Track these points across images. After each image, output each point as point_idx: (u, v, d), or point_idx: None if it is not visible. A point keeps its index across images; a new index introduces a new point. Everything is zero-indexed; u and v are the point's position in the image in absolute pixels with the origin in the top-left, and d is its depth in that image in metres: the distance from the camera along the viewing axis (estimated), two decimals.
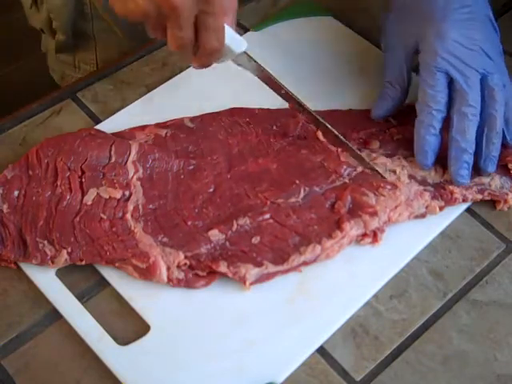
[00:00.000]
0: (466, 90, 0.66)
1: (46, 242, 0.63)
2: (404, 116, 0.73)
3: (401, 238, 0.66)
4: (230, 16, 0.60)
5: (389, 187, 0.67)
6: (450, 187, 0.67)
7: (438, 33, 0.67)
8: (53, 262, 0.63)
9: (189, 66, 0.79)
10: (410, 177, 0.68)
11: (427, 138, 0.67)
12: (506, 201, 0.68)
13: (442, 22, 0.67)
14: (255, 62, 0.68)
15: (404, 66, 0.71)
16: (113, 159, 0.68)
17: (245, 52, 0.65)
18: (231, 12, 0.60)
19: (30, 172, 0.67)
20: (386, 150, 0.70)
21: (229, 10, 0.59)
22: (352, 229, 0.64)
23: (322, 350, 0.61)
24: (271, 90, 0.75)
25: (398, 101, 0.72)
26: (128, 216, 0.65)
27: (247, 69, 0.68)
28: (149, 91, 0.77)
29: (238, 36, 0.64)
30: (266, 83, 0.69)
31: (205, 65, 0.64)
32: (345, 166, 0.69)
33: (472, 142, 0.66)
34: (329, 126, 0.69)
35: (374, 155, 0.70)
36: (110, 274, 0.64)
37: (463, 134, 0.66)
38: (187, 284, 0.62)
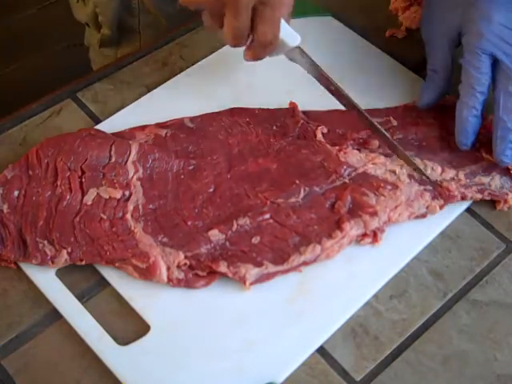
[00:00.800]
0: None
1: (45, 241, 0.63)
2: (404, 116, 0.73)
3: (401, 238, 0.66)
4: (285, 9, 0.60)
5: (389, 187, 0.67)
6: (446, 185, 0.67)
7: (482, 15, 0.67)
8: (53, 262, 0.63)
9: (189, 66, 0.79)
10: (410, 176, 0.68)
11: (470, 119, 0.67)
12: (505, 201, 0.68)
13: (487, 4, 0.67)
14: (308, 57, 0.67)
15: (448, 51, 0.71)
16: (113, 159, 0.68)
17: (298, 47, 0.65)
18: (287, 5, 0.61)
19: (30, 172, 0.67)
20: (386, 150, 0.70)
21: (285, 3, 0.60)
22: (352, 229, 0.64)
23: (322, 350, 0.61)
24: (271, 90, 0.75)
25: (444, 88, 0.72)
26: (128, 216, 0.65)
27: (299, 64, 0.68)
28: (149, 91, 0.77)
29: (292, 30, 0.64)
30: (318, 80, 0.70)
31: (258, 57, 0.65)
32: (345, 166, 0.69)
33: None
34: (379, 128, 0.69)
35: (373, 155, 0.70)
36: (110, 274, 0.64)
37: (510, 113, 0.66)
38: (187, 284, 0.62)
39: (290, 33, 0.64)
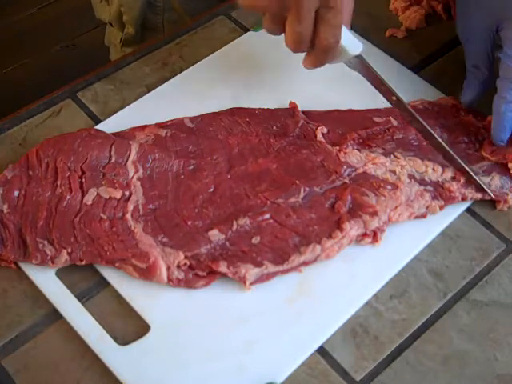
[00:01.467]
0: None
1: (45, 241, 0.63)
2: (404, 115, 0.73)
3: (401, 238, 0.66)
4: (347, 15, 0.60)
5: (389, 187, 0.67)
6: (448, 185, 0.67)
7: None
8: (53, 262, 0.63)
9: (189, 66, 0.79)
10: (410, 176, 0.68)
11: (508, 114, 0.67)
12: (505, 201, 0.68)
13: None
14: (370, 67, 0.67)
15: (489, 47, 0.70)
16: (113, 159, 0.68)
17: (360, 55, 0.65)
18: (349, 11, 0.60)
19: (30, 172, 0.67)
20: (386, 150, 0.70)
21: (347, 9, 0.59)
22: (352, 229, 0.64)
23: (322, 350, 0.61)
24: (271, 90, 0.75)
25: (488, 83, 0.72)
26: (128, 216, 0.65)
27: (360, 72, 0.68)
28: (149, 91, 0.77)
29: (354, 38, 0.63)
30: (379, 90, 0.69)
31: (318, 64, 0.64)
32: (345, 166, 0.69)
33: None
34: (436, 137, 0.69)
35: (373, 155, 0.70)
36: (110, 274, 0.64)
37: None
38: (187, 284, 0.62)
39: (351, 40, 0.63)
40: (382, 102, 0.75)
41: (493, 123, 0.69)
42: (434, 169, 0.69)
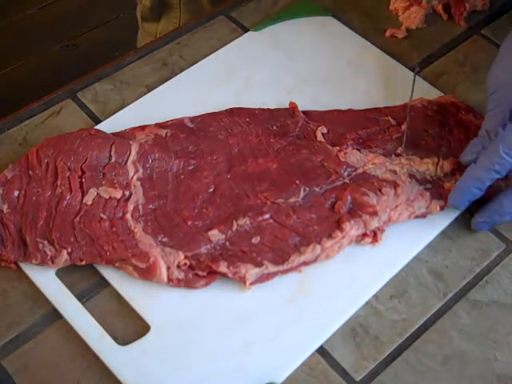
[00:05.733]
0: None
1: (46, 242, 0.63)
2: (404, 115, 0.73)
3: (401, 238, 0.66)
4: None
5: (389, 187, 0.67)
6: (448, 185, 0.67)
7: None
8: (53, 262, 0.63)
9: (189, 66, 0.79)
10: (410, 176, 0.68)
11: (473, 189, 0.63)
12: None
13: None
14: None
15: (507, 121, 0.63)
16: (113, 159, 0.68)
17: None
18: None
19: (30, 172, 0.67)
20: (386, 150, 0.70)
21: None
22: (352, 229, 0.64)
23: (322, 350, 0.61)
24: (271, 90, 0.75)
25: None
26: (128, 216, 0.65)
27: None
28: (149, 91, 0.77)
29: None
30: None
31: None
32: (345, 166, 0.69)
33: None
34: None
35: (373, 155, 0.70)
36: (110, 274, 0.64)
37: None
38: (187, 284, 0.62)
39: None
40: (382, 102, 0.75)
41: (455, 187, 0.65)
42: (433, 163, 0.68)
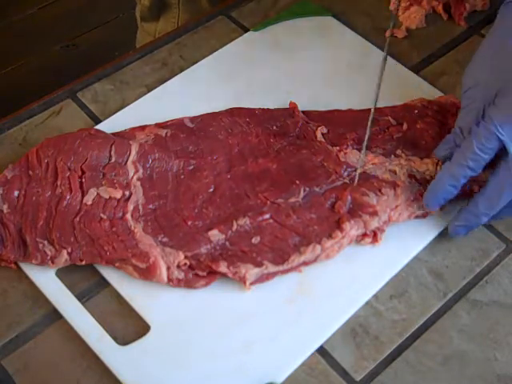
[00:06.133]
0: None
1: (46, 242, 0.63)
2: (404, 115, 0.73)
3: (401, 238, 0.66)
4: None
5: (389, 187, 0.67)
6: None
7: None
8: (53, 262, 0.63)
9: (189, 66, 0.79)
10: (410, 176, 0.68)
11: (447, 187, 0.63)
12: None
13: None
14: None
15: (480, 118, 0.63)
16: (113, 159, 0.68)
17: None
18: None
19: (30, 172, 0.67)
20: (386, 150, 0.70)
21: None
22: (352, 229, 0.64)
23: (322, 350, 0.61)
24: (271, 90, 0.75)
25: None
26: (128, 216, 0.65)
27: None
28: (149, 91, 0.77)
29: None
30: None
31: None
32: (345, 166, 0.69)
33: (492, 214, 0.64)
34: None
35: (372, 155, 0.70)
36: (110, 274, 0.64)
37: (489, 208, 0.63)
38: (187, 284, 0.62)
39: None
40: (382, 102, 0.75)
41: (429, 187, 0.64)
42: (433, 163, 0.68)
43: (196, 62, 0.80)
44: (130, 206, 0.66)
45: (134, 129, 0.72)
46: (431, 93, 0.76)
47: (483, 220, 0.64)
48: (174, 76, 0.79)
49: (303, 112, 0.74)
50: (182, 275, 0.62)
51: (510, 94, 0.60)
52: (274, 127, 0.73)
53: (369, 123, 0.67)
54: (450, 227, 0.66)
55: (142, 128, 0.72)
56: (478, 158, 0.62)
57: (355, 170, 0.68)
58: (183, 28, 0.85)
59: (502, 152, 0.62)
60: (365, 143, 0.67)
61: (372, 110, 0.66)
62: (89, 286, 0.64)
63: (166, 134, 0.71)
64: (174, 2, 1.02)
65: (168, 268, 0.62)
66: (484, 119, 0.62)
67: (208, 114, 0.74)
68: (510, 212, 0.65)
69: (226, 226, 0.64)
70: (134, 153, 0.69)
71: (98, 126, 0.73)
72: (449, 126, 0.72)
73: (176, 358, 0.59)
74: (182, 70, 0.79)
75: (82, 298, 0.63)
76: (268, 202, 0.66)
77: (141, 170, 0.68)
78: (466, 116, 0.64)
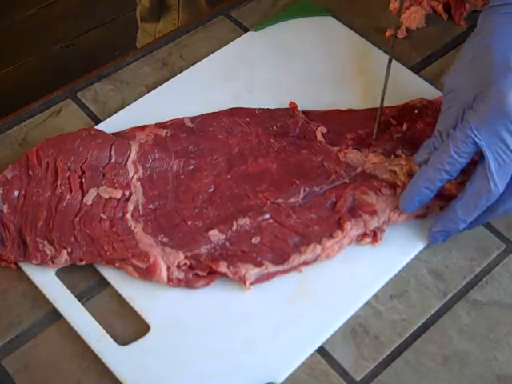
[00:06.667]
0: (494, 176, 0.60)
1: (46, 242, 0.63)
2: (404, 115, 0.73)
3: (401, 238, 0.66)
4: None
5: (389, 187, 0.67)
6: (448, 185, 0.67)
7: (497, 105, 0.59)
8: (53, 262, 0.63)
9: (189, 66, 0.79)
10: (410, 176, 0.68)
11: (423, 190, 0.63)
12: None
13: (505, 90, 0.59)
14: None
15: (459, 122, 0.62)
16: (113, 159, 0.68)
17: None
18: None
19: (30, 172, 0.67)
20: (386, 150, 0.70)
21: None
22: (352, 228, 0.64)
23: (322, 350, 0.61)
24: (271, 90, 0.75)
25: None
26: (128, 216, 0.65)
27: None
28: (149, 91, 0.77)
29: None
30: None
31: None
32: (344, 166, 0.69)
33: (469, 221, 0.63)
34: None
35: (372, 155, 0.70)
36: (110, 274, 0.64)
37: (467, 214, 0.62)
38: (187, 284, 0.62)
39: None
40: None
41: (405, 190, 0.64)
42: None
43: (196, 62, 0.80)
44: (130, 206, 0.66)
45: (133, 129, 0.72)
46: (431, 93, 0.77)
47: (461, 226, 0.63)
48: (174, 76, 0.79)
49: (303, 112, 0.74)
50: (181, 275, 0.62)
51: (487, 98, 0.60)
52: (274, 127, 0.73)
53: (376, 126, 0.66)
54: (428, 234, 0.65)
55: (142, 128, 0.72)
56: (454, 162, 0.61)
57: (355, 170, 0.68)
58: (183, 28, 0.85)
59: (480, 157, 0.61)
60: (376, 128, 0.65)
61: (378, 112, 0.65)
62: (89, 286, 0.64)
63: (166, 134, 0.71)
64: (174, 4, 1.02)
65: (168, 268, 0.62)
66: (462, 123, 0.62)
67: (208, 114, 0.74)
68: (489, 217, 0.64)
69: (226, 225, 0.64)
70: (134, 153, 0.69)
71: (98, 126, 0.73)
72: None
73: (176, 357, 0.59)
74: (181, 70, 0.79)
75: (82, 298, 0.63)
76: (268, 202, 0.66)
77: (141, 170, 0.68)
78: (445, 120, 0.64)
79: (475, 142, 0.60)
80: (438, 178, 0.62)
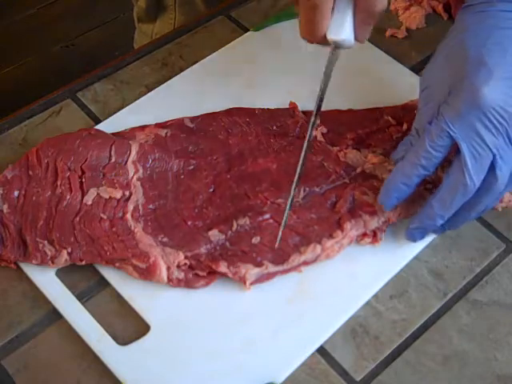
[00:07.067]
0: (470, 170, 0.60)
1: (46, 242, 0.63)
2: (404, 115, 0.73)
3: (401, 238, 0.66)
4: None
5: None
6: None
7: (471, 99, 0.59)
8: (53, 262, 0.63)
9: (189, 66, 0.79)
10: None
11: (400, 185, 0.62)
12: (501, 200, 0.68)
13: (479, 84, 0.59)
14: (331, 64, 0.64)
15: (435, 118, 0.62)
16: (113, 159, 0.68)
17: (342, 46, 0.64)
18: None
19: (30, 172, 0.67)
20: (386, 150, 0.70)
21: None
22: (352, 229, 0.64)
23: (322, 350, 0.61)
24: (271, 90, 0.75)
25: None
26: (128, 216, 0.65)
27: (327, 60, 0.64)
28: (149, 91, 0.77)
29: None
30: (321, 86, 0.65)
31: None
32: (344, 166, 0.69)
33: (447, 217, 0.62)
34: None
35: (372, 155, 0.70)
36: (110, 274, 0.64)
37: (443, 209, 0.61)
38: (187, 284, 0.62)
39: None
40: (382, 102, 0.75)
41: (383, 186, 0.64)
42: None
43: (196, 62, 0.80)
44: (130, 206, 0.66)
45: (133, 129, 0.72)
46: None
47: (438, 222, 0.63)
48: (173, 76, 0.79)
49: (303, 112, 0.74)
50: (181, 275, 0.62)
51: (461, 91, 0.60)
52: (274, 127, 0.73)
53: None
54: (406, 232, 0.65)
55: (142, 128, 0.72)
56: (431, 157, 0.61)
57: (355, 170, 0.68)
58: (183, 28, 0.85)
59: (456, 152, 0.61)
60: None
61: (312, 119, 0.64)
62: (89, 286, 0.64)
63: (166, 133, 0.71)
64: (171, 4, 1.02)
65: (168, 268, 0.62)
66: (437, 117, 0.62)
67: (208, 113, 0.74)
68: (470, 215, 0.63)
69: (225, 225, 0.64)
70: (134, 153, 0.69)
71: (98, 126, 0.73)
72: None
73: (176, 357, 0.59)
74: (181, 70, 0.79)
75: (82, 298, 0.63)
76: (268, 202, 0.66)
77: (141, 170, 0.68)
78: (422, 117, 0.64)
79: (450, 135, 0.60)
80: (415, 173, 0.62)
